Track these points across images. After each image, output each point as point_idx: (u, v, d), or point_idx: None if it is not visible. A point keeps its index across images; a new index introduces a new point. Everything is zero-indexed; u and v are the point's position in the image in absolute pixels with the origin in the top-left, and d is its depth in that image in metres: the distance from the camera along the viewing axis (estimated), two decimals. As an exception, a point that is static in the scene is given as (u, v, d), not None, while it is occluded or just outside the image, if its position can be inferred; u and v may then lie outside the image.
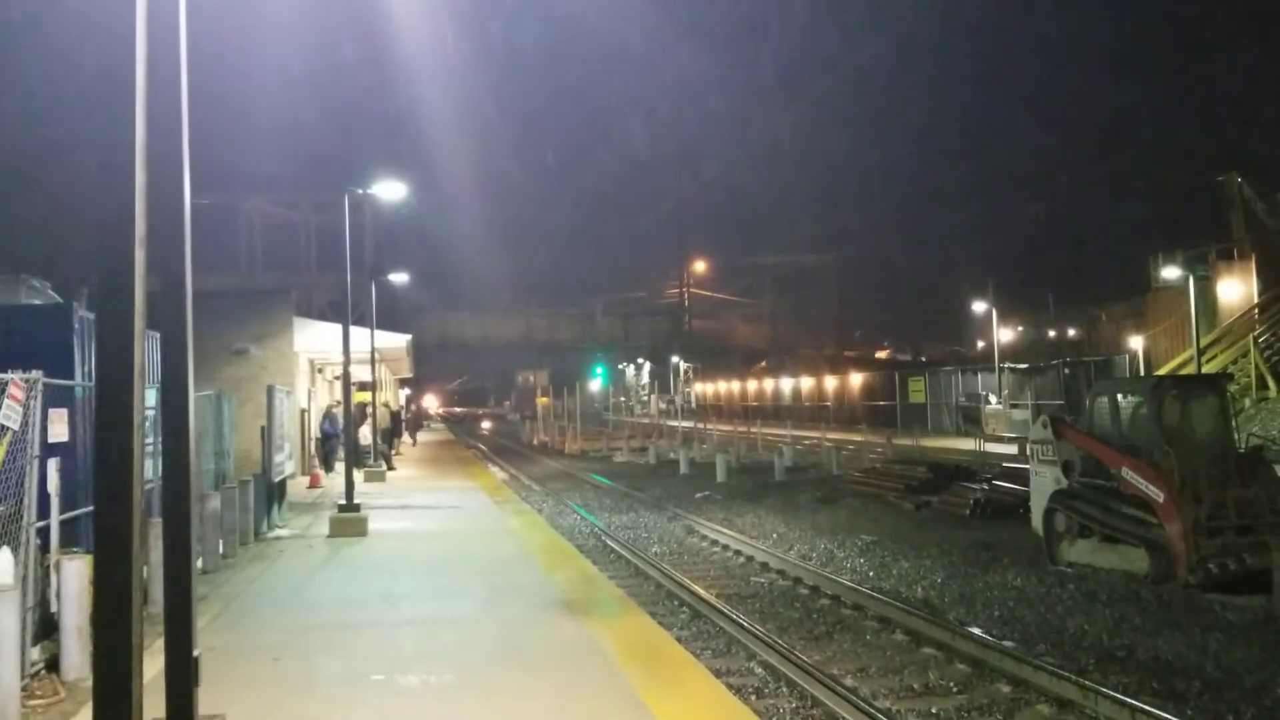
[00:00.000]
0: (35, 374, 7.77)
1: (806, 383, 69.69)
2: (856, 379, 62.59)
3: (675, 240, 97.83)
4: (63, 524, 8.95)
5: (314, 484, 27.20)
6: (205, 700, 5.32)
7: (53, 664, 8.26)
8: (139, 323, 4.14)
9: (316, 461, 30.79)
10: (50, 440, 8.51)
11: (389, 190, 21.44)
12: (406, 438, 48.62)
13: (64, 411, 9.10)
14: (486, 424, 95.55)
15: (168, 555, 5.20)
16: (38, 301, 12.34)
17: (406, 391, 69.01)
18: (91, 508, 9.44)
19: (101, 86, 4.16)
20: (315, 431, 31.56)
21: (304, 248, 60.65)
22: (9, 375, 7.54)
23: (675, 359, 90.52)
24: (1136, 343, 43.21)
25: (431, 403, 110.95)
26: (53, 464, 8.43)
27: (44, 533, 8.54)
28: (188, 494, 5.14)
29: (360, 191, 20.99)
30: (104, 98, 4.15)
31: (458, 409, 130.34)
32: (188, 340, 5.20)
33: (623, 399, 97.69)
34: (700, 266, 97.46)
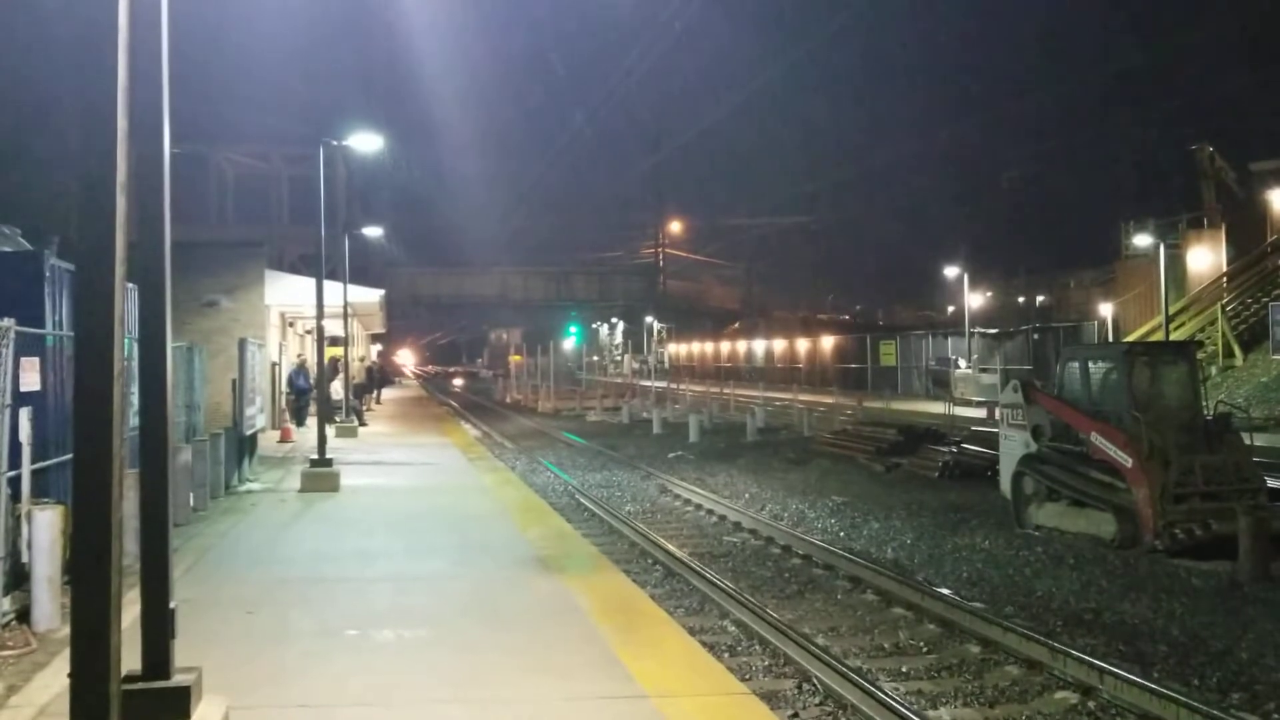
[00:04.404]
0: (7, 322, 7.65)
1: (779, 345, 69.86)
2: (828, 342, 62.77)
3: (652, 200, 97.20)
4: (32, 474, 8.86)
5: (284, 438, 27.10)
6: (178, 653, 5.32)
7: (24, 615, 8.20)
8: (119, 269, 4.09)
9: (287, 416, 30.65)
10: (22, 389, 8.41)
11: (364, 142, 21.23)
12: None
13: (36, 360, 8.98)
14: (458, 381, 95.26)
15: (145, 507, 5.17)
16: (7, 249, 12.14)
17: (378, 347, 68.75)
18: (61, 458, 9.41)
19: (84, 31, 4.08)
20: (285, 386, 31.39)
21: (276, 200, 60.05)
22: (-18, 323, 7.43)
23: (649, 319, 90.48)
24: (1106, 310, 43.53)
25: (407, 358, 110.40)
26: (24, 413, 8.33)
27: (14, 482, 8.46)
28: (166, 446, 5.11)
29: (335, 143, 20.77)
30: (86, 43, 4.07)
31: (429, 367, 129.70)
32: (166, 291, 5.15)
33: (596, 358, 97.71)
34: (676, 227, 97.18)
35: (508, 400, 61.91)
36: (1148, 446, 14.42)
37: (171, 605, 5.15)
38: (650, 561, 14.34)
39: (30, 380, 8.86)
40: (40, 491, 9.01)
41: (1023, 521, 16.41)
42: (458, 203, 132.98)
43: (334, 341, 32.68)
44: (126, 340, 8.29)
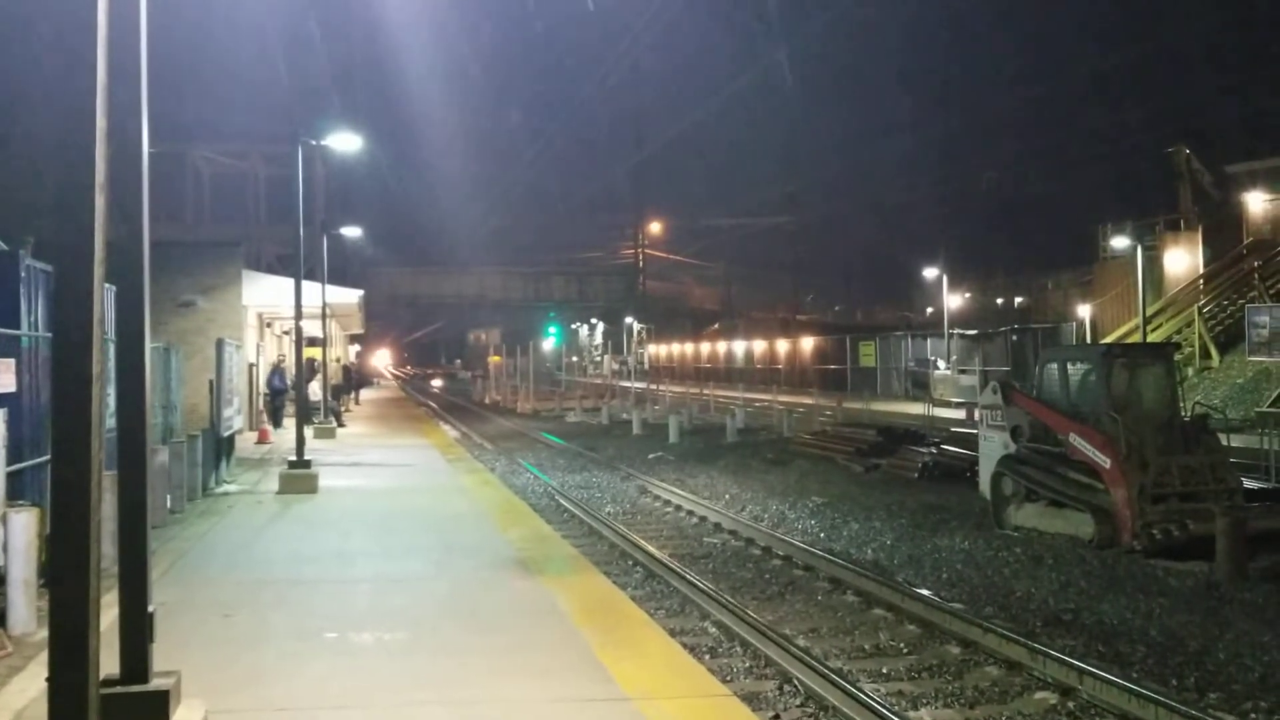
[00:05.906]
0: (-18, 323, 7.58)
1: (759, 345, 69.96)
2: (808, 343, 62.91)
3: (631, 201, 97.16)
4: (8, 476, 8.77)
5: (262, 440, 26.95)
6: (156, 656, 5.27)
7: (-1, 618, 8.13)
8: (98, 270, 4.05)
9: (265, 417, 30.49)
10: (-3, 391, 8.34)
11: (343, 142, 21.12)
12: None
13: (11, 361, 8.89)
14: (437, 382, 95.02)
15: (122, 509, 5.12)
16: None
17: (356, 348, 68.48)
18: (37, 460, 9.32)
19: (63, 29, 4.04)
20: (263, 386, 31.24)
21: (253, 200, 59.71)
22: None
23: (629, 320, 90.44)
24: (1084, 311, 43.73)
25: (385, 359, 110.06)
26: (-1, 415, 8.25)
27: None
28: (144, 447, 5.07)
29: (313, 142, 20.66)
30: (65, 41, 4.03)
31: (408, 367, 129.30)
32: (145, 292, 5.10)
33: (576, 359, 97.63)
34: (656, 228, 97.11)
35: (486, 401, 61.75)
36: (1125, 447, 14.50)
37: (150, 608, 5.10)
38: (630, 563, 14.32)
39: (5, 382, 8.77)
40: (16, 494, 8.92)
41: (1002, 522, 16.47)
42: (436, 203, 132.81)
43: (312, 342, 32.52)
44: (104, 341, 8.23)
